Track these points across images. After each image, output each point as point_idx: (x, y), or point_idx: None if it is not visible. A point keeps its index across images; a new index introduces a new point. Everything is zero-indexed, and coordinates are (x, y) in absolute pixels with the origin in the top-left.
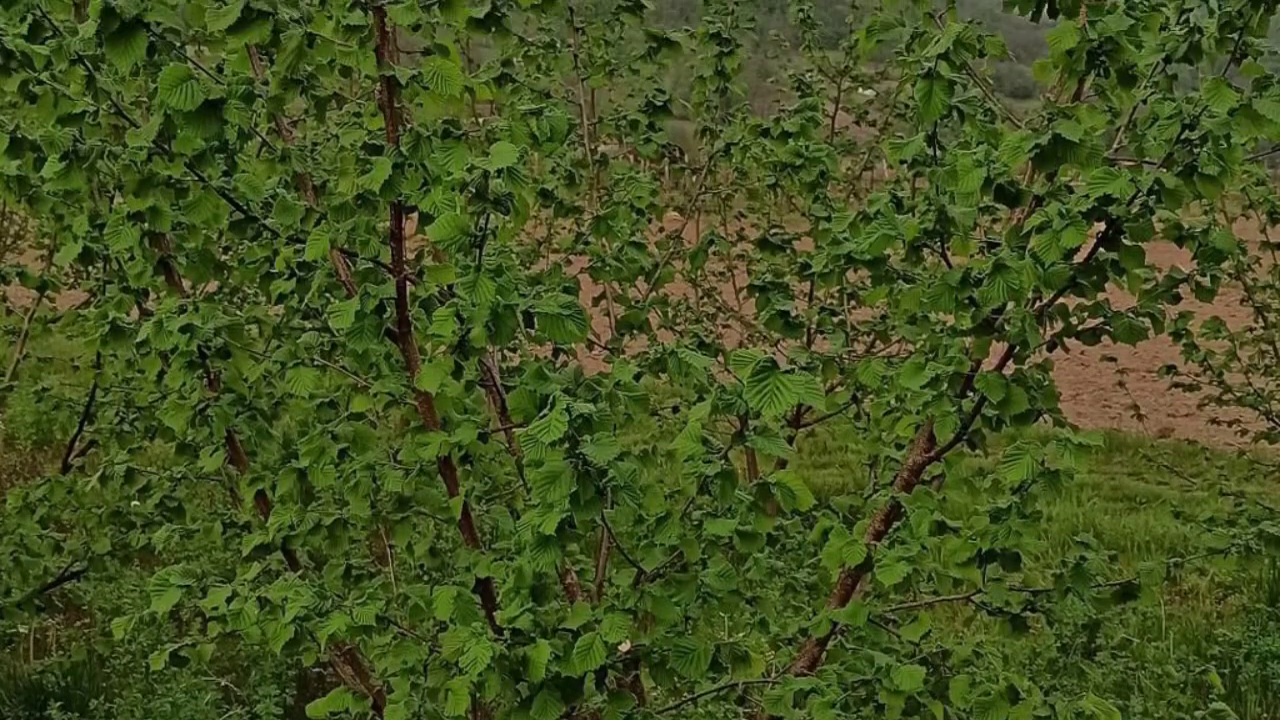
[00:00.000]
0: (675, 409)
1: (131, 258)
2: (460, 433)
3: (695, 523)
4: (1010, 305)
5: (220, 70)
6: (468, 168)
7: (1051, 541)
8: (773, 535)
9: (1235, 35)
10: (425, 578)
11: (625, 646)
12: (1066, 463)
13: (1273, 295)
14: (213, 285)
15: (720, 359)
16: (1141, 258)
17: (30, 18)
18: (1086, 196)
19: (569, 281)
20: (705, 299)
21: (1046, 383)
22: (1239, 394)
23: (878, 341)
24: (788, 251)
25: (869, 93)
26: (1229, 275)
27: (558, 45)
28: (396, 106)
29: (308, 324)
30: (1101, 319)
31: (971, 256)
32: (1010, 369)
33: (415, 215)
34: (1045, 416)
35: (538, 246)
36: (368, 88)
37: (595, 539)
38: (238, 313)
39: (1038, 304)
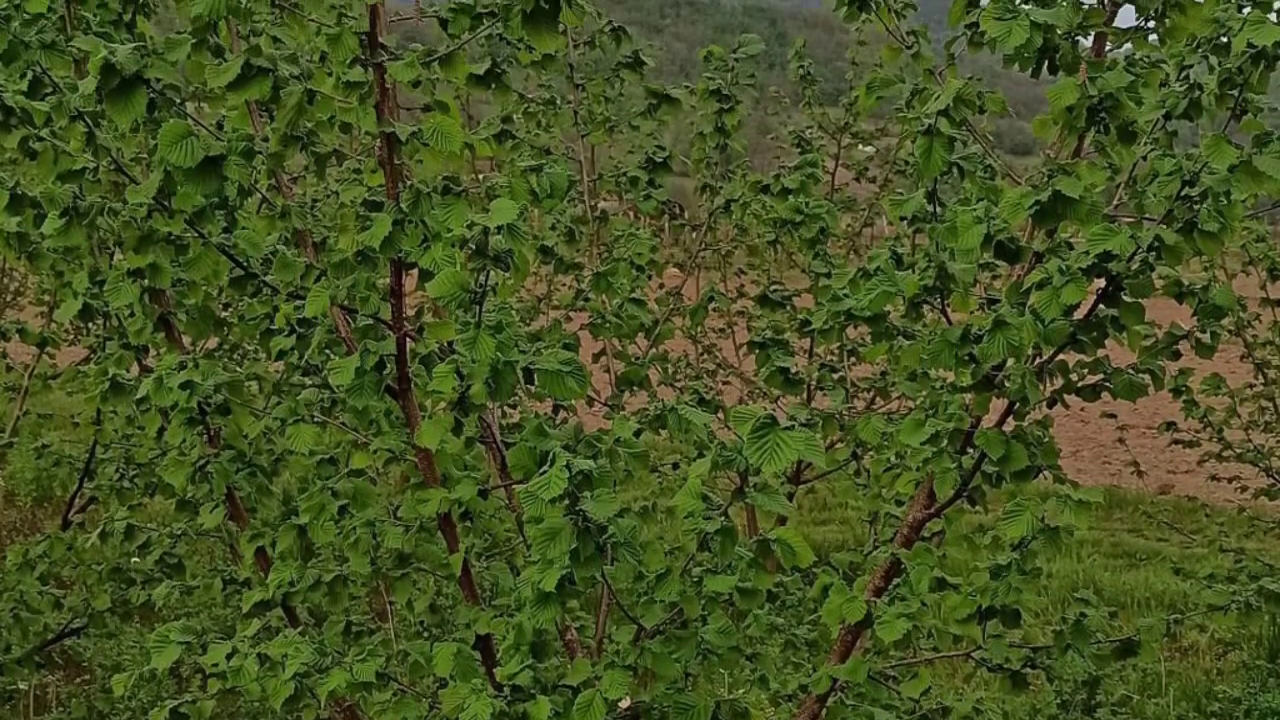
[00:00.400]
0: (675, 465)
1: (131, 314)
2: (460, 489)
3: (695, 579)
4: (1010, 362)
5: (220, 127)
6: (468, 224)
7: (1051, 598)
8: (773, 592)
9: (1235, 92)
10: (425, 634)
11: (625, 703)
12: (1066, 519)
13: (1273, 352)
14: (213, 342)
15: (720, 415)
16: (1141, 314)
17: (30, 74)
18: (1086, 253)
19: (569, 338)
20: (705, 355)
21: (1046, 439)
22: (1239, 450)
23: (878, 398)
24: (788, 308)
25: (869, 149)
26: (1229, 332)
27: (558, 102)
28: (397, 163)
29: (308, 380)
30: (1101, 375)
31: (971, 313)
32: (1010, 425)
33: (415, 272)
34: (1045, 473)
35: (538, 303)
36: (368, 144)
37: (595, 595)
38: (238, 369)
39: (1038, 360)
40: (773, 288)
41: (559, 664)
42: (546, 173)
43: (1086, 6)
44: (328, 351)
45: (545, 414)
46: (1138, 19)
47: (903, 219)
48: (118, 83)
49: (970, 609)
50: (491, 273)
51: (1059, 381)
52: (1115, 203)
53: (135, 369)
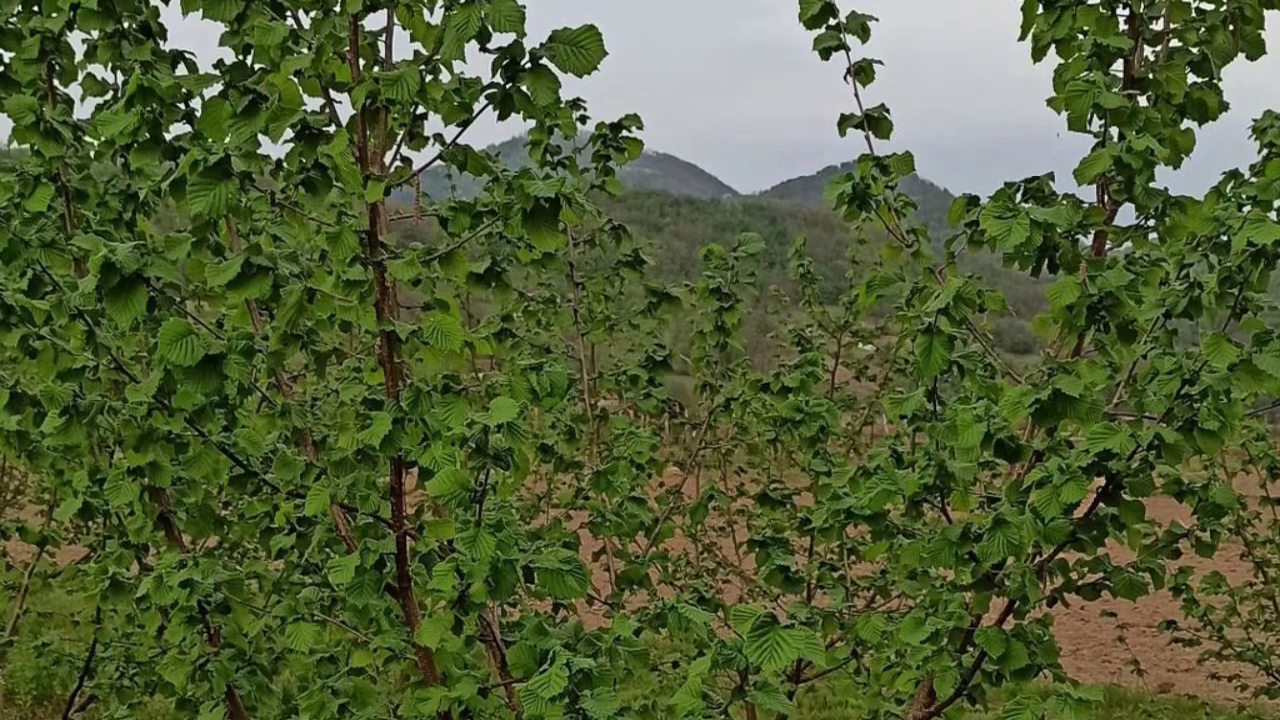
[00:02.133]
0: (675, 664)
1: (131, 513)
2: (460, 688)
3: None
4: (1010, 560)
5: (220, 325)
6: (468, 423)
7: None
8: None
9: (1235, 290)
10: None
11: None
12: (1067, 718)
13: (1272, 550)
14: (213, 540)
15: (720, 614)
16: (1141, 513)
17: (30, 273)
18: (1086, 451)
19: (569, 537)
20: (705, 554)
21: (1046, 638)
22: (1239, 649)
23: (878, 596)
24: (788, 506)
25: (869, 347)
26: (1229, 531)
27: (558, 300)
28: (397, 361)
29: (308, 579)
30: (1102, 574)
31: (972, 512)
32: (1010, 624)
33: (415, 470)
34: (1045, 671)
35: (538, 501)
36: (368, 342)
37: None
38: (238, 568)
39: (1038, 559)
40: (773, 486)
41: None
42: (546, 371)
43: (1086, 205)
44: (328, 550)
45: (545, 612)
46: (1138, 217)
47: (903, 417)
48: (118, 281)
49: None
50: (491, 471)
51: (1059, 580)
52: (1115, 401)
53: (135, 567)
